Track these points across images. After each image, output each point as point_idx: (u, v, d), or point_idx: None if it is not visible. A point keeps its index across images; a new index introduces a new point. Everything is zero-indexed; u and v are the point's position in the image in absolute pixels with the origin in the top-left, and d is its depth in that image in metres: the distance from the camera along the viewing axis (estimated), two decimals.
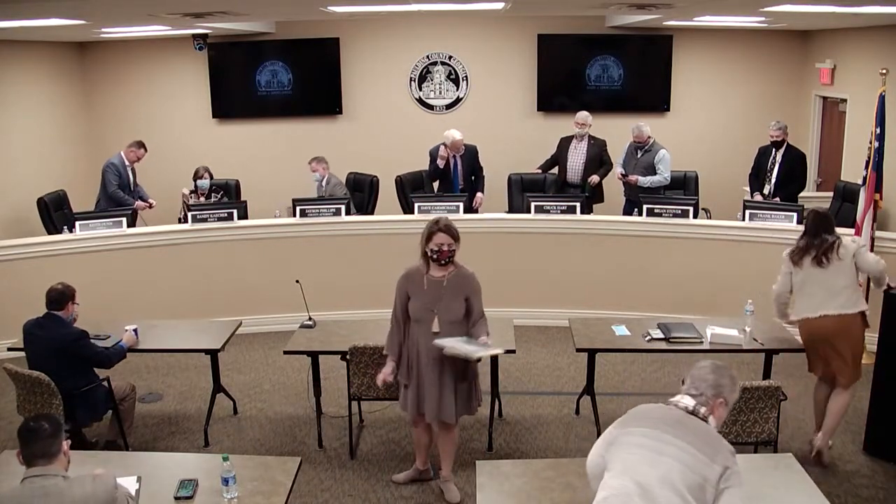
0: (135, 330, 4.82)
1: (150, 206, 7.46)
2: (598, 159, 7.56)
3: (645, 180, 7.17)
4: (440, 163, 7.34)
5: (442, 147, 7.36)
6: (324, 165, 7.51)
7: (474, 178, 7.56)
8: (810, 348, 4.56)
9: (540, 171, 7.83)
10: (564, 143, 7.70)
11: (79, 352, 4.31)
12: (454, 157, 7.45)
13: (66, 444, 2.72)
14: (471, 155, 7.51)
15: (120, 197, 7.32)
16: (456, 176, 7.49)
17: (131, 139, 7.57)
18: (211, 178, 7.52)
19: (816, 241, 4.46)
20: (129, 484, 3.13)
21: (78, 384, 4.29)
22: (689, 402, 2.59)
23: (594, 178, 7.47)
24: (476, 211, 7.34)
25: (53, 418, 2.77)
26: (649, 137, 7.24)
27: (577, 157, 7.59)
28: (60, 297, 4.33)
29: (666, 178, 7.20)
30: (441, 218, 3.94)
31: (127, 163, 7.42)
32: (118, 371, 5.88)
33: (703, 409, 2.57)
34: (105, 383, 4.45)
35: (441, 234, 3.84)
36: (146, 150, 7.50)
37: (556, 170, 7.82)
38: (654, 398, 5.39)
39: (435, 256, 3.87)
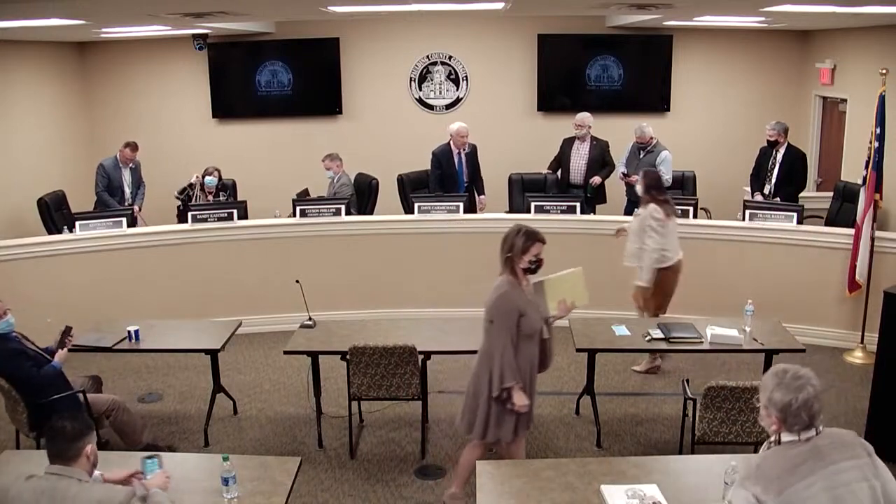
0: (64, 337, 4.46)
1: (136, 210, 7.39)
2: (601, 160, 7.55)
3: None
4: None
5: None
6: (337, 163, 7.50)
7: (472, 179, 7.56)
8: (673, 286, 5.62)
9: (550, 171, 7.82)
10: (567, 145, 7.69)
11: (10, 373, 4.11)
12: (459, 153, 7.45)
13: (89, 448, 2.70)
14: (472, 153, 7.53)
15: (105, 199, 7.30)
16: (461, 173, 7.49)
17: (131, 139, 7.56)
18: (219, 179, 7.50)
19: (670, 196, 5.62)
20: None
21: (37, 396, 4.13)
22: (810, 433, 2.39)
23: (596, 180, 7.46)
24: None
25: (81, 420, 2.76)
26: (651, 138, 7.22)
27: (579, 159, 7.58)
28: None
29: (667, 179, 7.14)
30: (528, 227, 3.74)
31: (121, 164, 7.39)
32: (119, 372, 5.92)
33: (821, 426, 2.42)
34: (80, 396, 4.29)
35: (538, 244, 3.70)
36: (133, 149, 7.38)
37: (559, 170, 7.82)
38: (654, 398, 5.44)
39: (533, 267, 3.72)
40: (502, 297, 3.68)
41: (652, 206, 5.46)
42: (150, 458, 3.11)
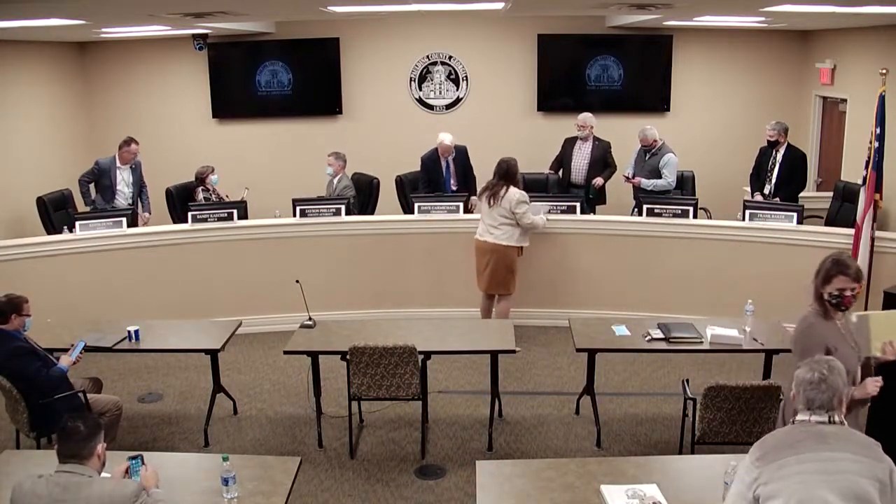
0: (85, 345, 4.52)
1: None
2: (603, 161, 7.50)
3: (648, 183, 7.13)
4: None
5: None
6: (341, 163, 7.50)
7: (465, 178, 7.55)
8: (478, 260, 6.20)
9: (551, 171, 7.81)
10: (569, 144, 7.67)
11: (17, 370, 4.10)
12: (445, 159, 7.45)
13: (100, 448, 2.77)
14: (461, 155, 7.52)
15: (82, 188, 7.29)
16: (448, 178, 7.50)
17: (126, 137, 7.52)
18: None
19: (493, 183, 6.09)
20: None
21: (41, 395, 4.12)
22: (821, 417, 2.49)
23: (598, 181, 7.42)
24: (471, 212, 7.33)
25: (92, 420, 2.83)
26: (655, 141, 7.17)
27: (581, 159, 7.56)
28: (0, 311, 4.13)
29: (670, 182, 7.13)
30: (841, 256, 3.34)
31: (120, 165, 7.36)
32: (119, 372, 5.92)
33: (837, 417, 2.49)
34: (81, 396, 4.27)
35: (843, 278, 3.26)
36: (128, 145, 7.30)
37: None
38: (654, 398, 5.45)
39: (835, 301, 3.29)
40: (805, 332, 3.34)
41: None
42: (133, 458, 3.11)
